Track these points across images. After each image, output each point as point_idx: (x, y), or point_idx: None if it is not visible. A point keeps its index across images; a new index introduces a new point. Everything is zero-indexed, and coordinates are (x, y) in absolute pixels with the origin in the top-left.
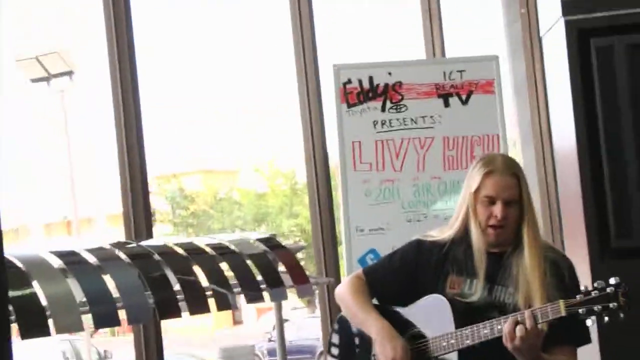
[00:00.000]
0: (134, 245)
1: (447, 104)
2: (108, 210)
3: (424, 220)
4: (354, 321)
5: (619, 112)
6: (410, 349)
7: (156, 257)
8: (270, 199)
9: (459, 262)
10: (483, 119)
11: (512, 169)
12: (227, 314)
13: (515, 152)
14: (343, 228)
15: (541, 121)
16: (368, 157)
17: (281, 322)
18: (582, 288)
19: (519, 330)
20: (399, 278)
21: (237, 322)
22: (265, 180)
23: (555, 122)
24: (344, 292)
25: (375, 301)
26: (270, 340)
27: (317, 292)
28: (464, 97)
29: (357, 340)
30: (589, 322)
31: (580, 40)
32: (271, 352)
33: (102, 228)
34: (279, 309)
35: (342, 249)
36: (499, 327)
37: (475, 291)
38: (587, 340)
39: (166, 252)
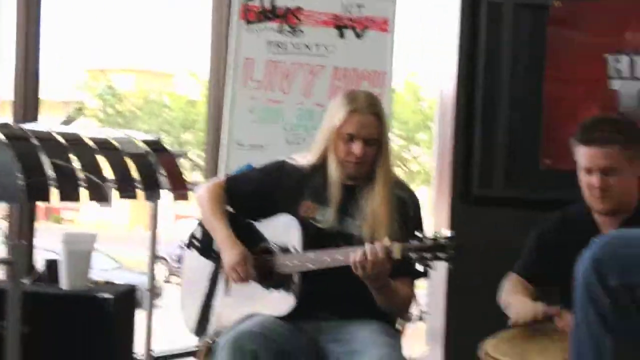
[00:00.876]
0: (15, 127)
1: (342, 35)
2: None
3: (302, 144)
4: (207, 227)
5: (499, 68)
6: (256, 260)
7: (34, 141)
8: (201, 106)
9: (315, 189)
10: (374, 55)
11: (374, 108)
12: (143, 215)
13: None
14: (224, 140)
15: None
16: (258, 75)
17: (155, 221)
18: (419, 234)
19: (370, 254)
20: (257, 192)
21: None
22: (200, 88)
23: (442, 72)
24: (202, 197)
25: (232, 210)
26: (181, 247)
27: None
28: (359, 31)
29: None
30: (420, 267)
31: None
32: (179, 259)
33: None
34: (154, 211)
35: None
36: (339, 257)
37: (327, 219)
38: (423, 274)
39: (45, 138)
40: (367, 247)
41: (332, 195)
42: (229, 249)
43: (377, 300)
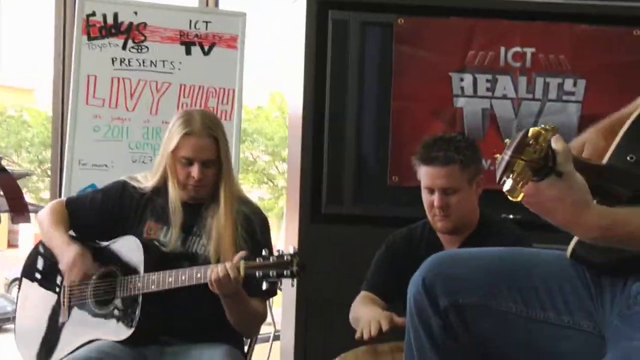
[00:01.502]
0: None
1: (188, 52)
2: None
3: (149, 163)
4: (47, 242)
5: (346, 85)
6: (97, 285)
7: None
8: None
9: (157, 211)
10: (222, 72)
11: (210, 130)
12: (2, 234)
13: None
14: (66, 160)
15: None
16: (102, 93)
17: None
18: (265, 251)
19: (221, 272)
20: (98, 214)
21: (12, 245)
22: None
23: (290, 90)
24: (42, 215)
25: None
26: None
27: None
28: (206, 47)
29: (49, 265)
30: (264, 285)
31: (319, 13)
32: None
33: None
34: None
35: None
36: (183, 277)
37: (170, 241)
38: (271, 292)
39: None
40: (214, 267)
41: (174, 217)
42: (66, 250)
43: (228, 314)
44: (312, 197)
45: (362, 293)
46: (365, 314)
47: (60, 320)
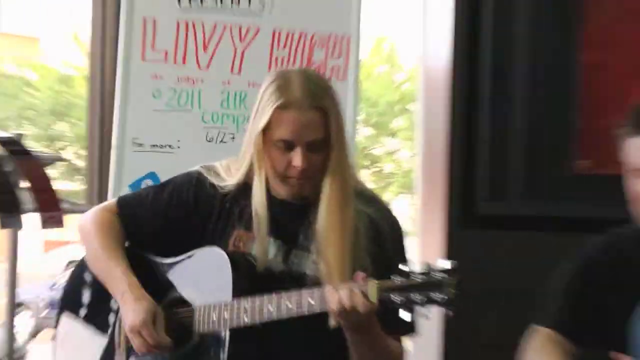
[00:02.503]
0: None
1: None
2: None
3: (231, 143)
4: (96, 269)
5: (512, 29)
6: (167, 318)
7: None
8: (81, 85)
9: (248, 215)
10: (332, 12)
11: (315, 98)
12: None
13: None
14: (115, 139)
15: None
16: (164, 43)
17: (14, 260)
18: (403, 267)
19: (348, 299)
20: (163, 219)
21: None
22: (81, 57)
23: (427, 40)
24: (89, 227)
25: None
26: (53, 288)
27: None
28: None
29: (97, 295)
30: (405, 316)
31: None
32: (51, 304)
33: None
34: (13, 240)
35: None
36: (289, 304)
37: (266, 254)
38: (410, 327)
39: None
40: (334, 290)
41: (262, 222)
42: (131, 302)
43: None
44: (463, 193)
45: (540, 331)
46: None
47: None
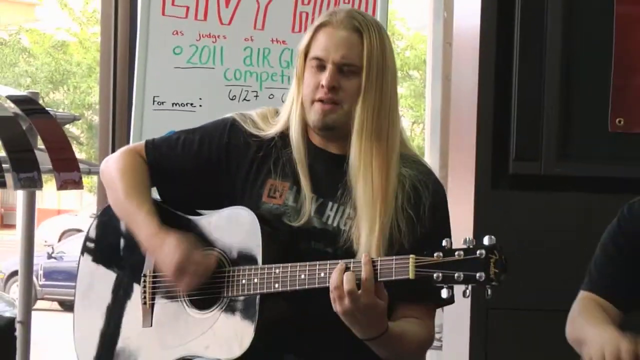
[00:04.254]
0: None
1: None
2: None
3: (254, 101)
4: (120, 212)
5: None
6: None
7: None
8: (76, 52)
9: (284, 163)
10: None
11: (355, 20)
12: None
13: None
14: (135, 97)
15: None
16: None
17: (30, 226)
18: (446, 241)
19: (347, 283)
20: (194, 163)
21: (6, 225)
22: (74, 25)
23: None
24: (112, 167)
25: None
26: (50, 256)
27: None
28: None
29: (121, 242)
30: (444, 293)
31: None
32: (50, 273)
33: None
34: (29, 204)
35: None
36: (322, 274)
37: (302, 207)
38: (448, 300)
39: None
40: (363, 259)
41: (304, 167)
42: (161, 244)
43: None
44: (494, 151)
45: (584, 295)
46: (596, 335)
47: (140, 325)
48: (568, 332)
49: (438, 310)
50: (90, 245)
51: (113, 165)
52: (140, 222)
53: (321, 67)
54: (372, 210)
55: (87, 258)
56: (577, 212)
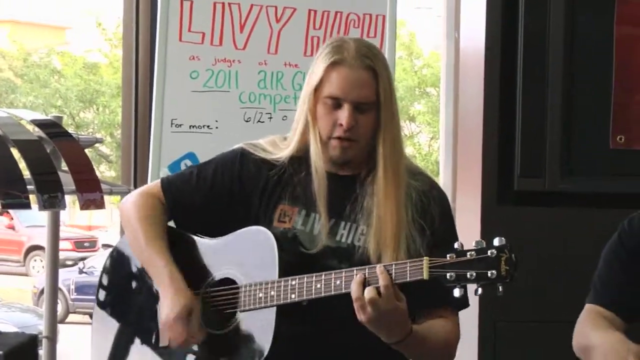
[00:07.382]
0: None
1: None
2: None
3: (268, 123)
4: (138, 255)
5: (546, 12)
6: (210, 297)
7: None
8: (107, 72)
9: (294, 188)
10: None
11: (367, 59)
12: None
13: None
14: (153, 120)
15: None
16: (201, 25)
17: (55, 243)
18: (456, 243)
19: (368, 292)
20: (209, 196)
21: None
22: (105, 45)
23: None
24: (131, 211)
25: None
26: (82, 272)
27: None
28: None
29: (133, 281)
30: (456, 292)
31: None
32: (81, 287)
33: None
34: (54, 222)
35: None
36: (338, 282)
37: (313, 228)
38: (463, 302)
39: None
40: (377, 268)
41: (318, 192)
42: (169, 295)
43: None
44: (500, 168)
45: (589, 308)
46: (602, 342)
47: (158, 343)
48: (574, 343)
49: None
50: (104, 285)
51: (132, 209)
52: (159, 271)
53: (337, 105)
54: (388, 224)
55: (102, 293)
56: (581, 226)
